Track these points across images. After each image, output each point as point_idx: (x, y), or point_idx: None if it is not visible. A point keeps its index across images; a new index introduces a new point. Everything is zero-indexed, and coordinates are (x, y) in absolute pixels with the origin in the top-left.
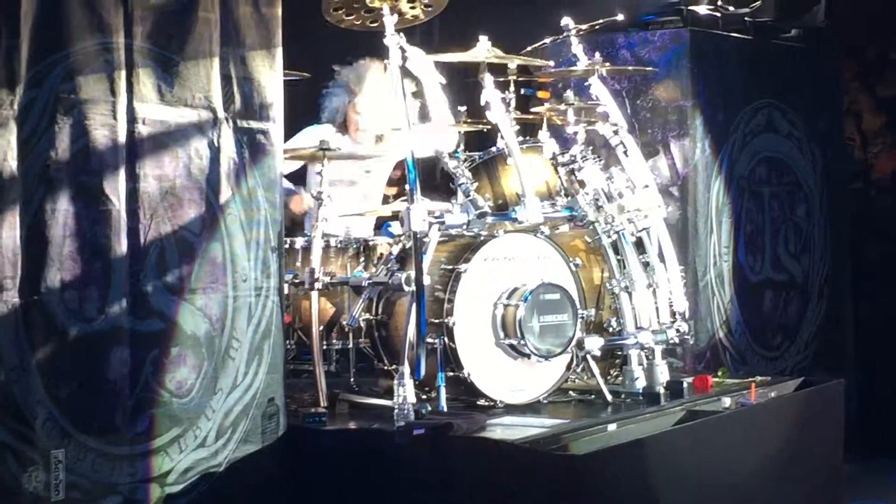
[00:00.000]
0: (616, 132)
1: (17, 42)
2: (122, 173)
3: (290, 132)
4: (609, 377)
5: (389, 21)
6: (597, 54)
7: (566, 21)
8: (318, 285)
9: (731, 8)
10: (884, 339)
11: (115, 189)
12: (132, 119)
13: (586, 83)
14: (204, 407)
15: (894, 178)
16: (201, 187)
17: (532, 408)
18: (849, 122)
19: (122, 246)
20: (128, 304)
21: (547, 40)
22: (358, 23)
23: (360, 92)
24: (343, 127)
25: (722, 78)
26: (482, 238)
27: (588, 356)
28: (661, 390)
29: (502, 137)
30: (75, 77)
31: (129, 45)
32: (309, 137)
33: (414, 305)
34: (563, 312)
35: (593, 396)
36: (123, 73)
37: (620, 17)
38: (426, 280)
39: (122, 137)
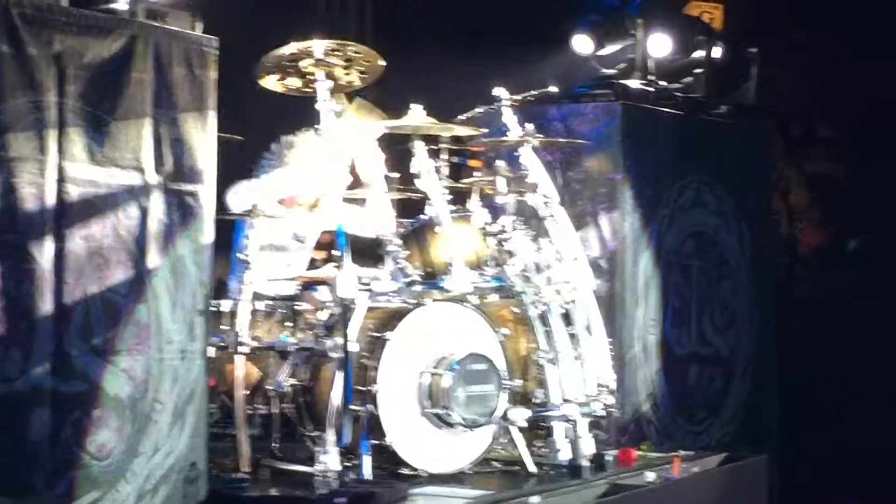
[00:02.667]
0: (546, 203)
1: None
2: (48, 232)
3: (221, 195)
4: (534, 448)
5: (323, 86)
6: (529, 125)
7: (499, 91)
8: (243, 349)
9: (663, 83)
10: (808, 416)
11: (41, 248)
12: (61, 178)
13: (518, 153)
14: (124, 470)
15: (819, 254)
16: (129, 249)
17: (456, 478)
18: (776, 197)
19: (46, 306)
20: (51, 365)
21: (479, 109)
22: (292, 87)
23: (293, 160)
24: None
25: (653, 152)
26: (410, 306)
27: (513, 427)
28: (585, 463)
29: (432, 206)
30: (5, 134)
31: (61, 103)
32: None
33: (339, 372)
34: (490, 383)
35: (517, 468)
36: (54, 132)
37: (553, 88)
38: (353, 347)
39: (49, 196)
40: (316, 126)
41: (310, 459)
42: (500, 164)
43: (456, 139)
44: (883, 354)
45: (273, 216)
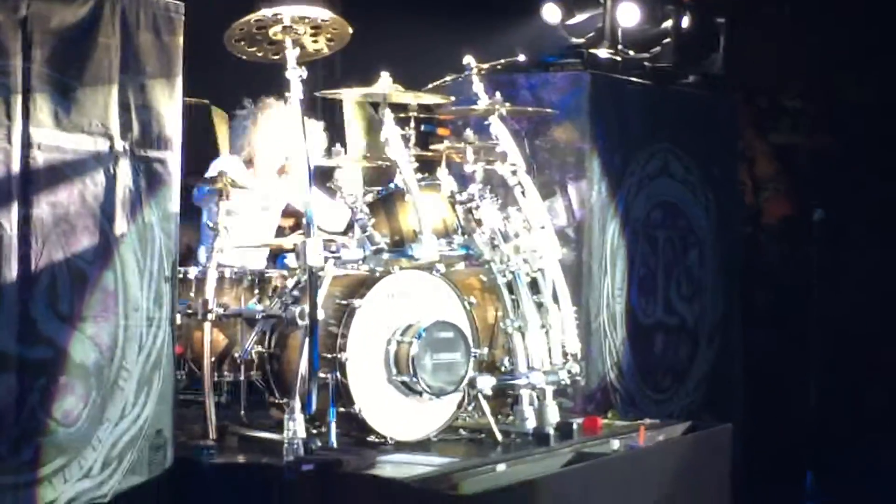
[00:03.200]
0: (514, 172)
1: None
2: (15, 198)
3: (187, 161)
4: (500, 416)
5: (291, 54)
6: (497, 94)
7: (468, 60)
8: (211, 316)
9: (631, 53)
10: (771, 385)
11: (8, 214)
12: (27, 144)
13: (486, 122)
14: (90, 437)
15: (783, 224)
16: (96, 215)
17: (422, 445)
18: (742, 167)
19: (12, 272)
20: (16, 331)
21: (448, 78)
22: (260, 55)
23: (259, 127)
24: (249, 161)
25: (620, 121)
26: (378, 274)
27: (479, 395)
28: (551, 431)
29: (401, 174)
30: None
31: (27, 68)
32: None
33: (307, 339)
34: (456, 351)
35: (483, 435)
36: (20, 98)
37: (522, 57)
38: (320, 314)
39: (16, 162)
40: (285, 94)
41: (277, 427)
42: (469, 132)
43: (424, 107)
44: (844, 326)
45: (241, 184)
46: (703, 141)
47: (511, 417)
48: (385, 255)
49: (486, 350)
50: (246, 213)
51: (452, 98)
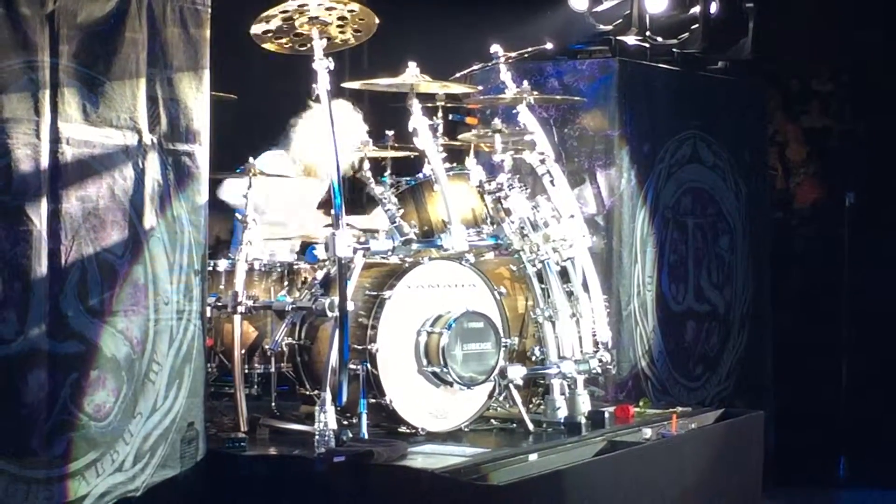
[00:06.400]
0: (543, 161)
1: None
2: (44, 194)
3: (215, 154)
4: (531, 406)
5: (318, 45)
6: (525, 82)
7: (495, 48)
8: (240, 309)
9: (660, 39)
10: (802, 371)
11: (37, 209)
12: (56, 139)
13: (514, 111)
14: (122, 431)
15: (815, 209)
16: (125, 209)
17: (453, 436)
18: (772, 152)
19: (42, 267)
20: (47, 326)
21: (476, 67)
22: (287, 46)
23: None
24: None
25: (649, 108)
26: (407, 265)
27: (510, 385)
28: (583, 420)
29: (429, 164)
30: None
31: (55, 64)
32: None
33: (337, 331)
34: (487, 341)
35: (515, 425)
36: (48, 93)
37: (549, 45)
38: (350, 306)
39: (45, 157)
40: (313, 85)
41: (308, 418)
42: (497, 121)
43: (452, 97)
44: (876, 310)
45: (268, 175)
46: (732, 126)
47: (542, 407)
48: (414, 246)
49: (516, 340)
50: (287, 207)
51: (480, 87)
